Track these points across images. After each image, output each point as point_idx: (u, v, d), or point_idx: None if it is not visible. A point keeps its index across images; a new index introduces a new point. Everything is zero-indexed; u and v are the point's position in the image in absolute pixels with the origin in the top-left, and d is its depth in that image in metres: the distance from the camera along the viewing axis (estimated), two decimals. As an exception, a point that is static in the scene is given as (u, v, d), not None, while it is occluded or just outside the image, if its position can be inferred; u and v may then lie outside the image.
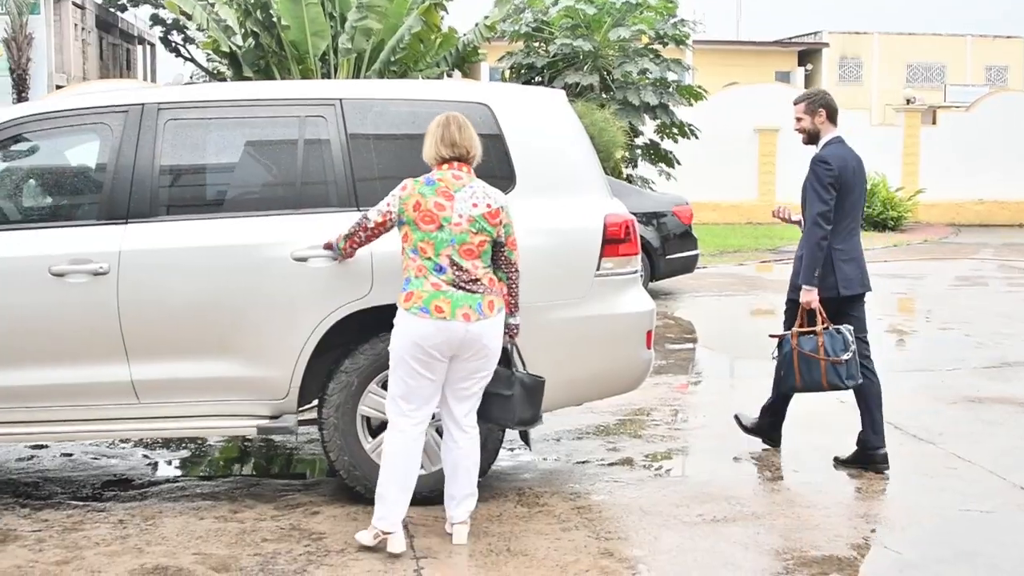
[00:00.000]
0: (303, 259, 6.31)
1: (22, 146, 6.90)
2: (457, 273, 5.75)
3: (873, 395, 7.45)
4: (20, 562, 5.75)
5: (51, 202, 7.26)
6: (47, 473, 7.44)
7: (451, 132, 5.87)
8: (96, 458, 7.80)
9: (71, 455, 7.85)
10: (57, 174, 7.08)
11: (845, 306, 7.47)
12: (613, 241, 6.58)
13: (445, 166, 5.86)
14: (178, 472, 7.70)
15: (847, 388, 7.36)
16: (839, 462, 7.51)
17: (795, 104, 7.83)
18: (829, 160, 7.38)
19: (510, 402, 6.05)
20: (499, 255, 5.92)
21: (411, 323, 5.72)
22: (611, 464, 7.54)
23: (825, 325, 7.29)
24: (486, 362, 5.89)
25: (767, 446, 7.87)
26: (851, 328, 7.31)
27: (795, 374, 7.35)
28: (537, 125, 6.77)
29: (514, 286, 5.98)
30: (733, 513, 6.51)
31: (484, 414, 6.05)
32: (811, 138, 7.66)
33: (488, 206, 5.81)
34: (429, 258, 5.74)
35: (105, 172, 6.51)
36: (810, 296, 7.31)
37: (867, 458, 7.41)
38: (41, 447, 7.98)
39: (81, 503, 6.73)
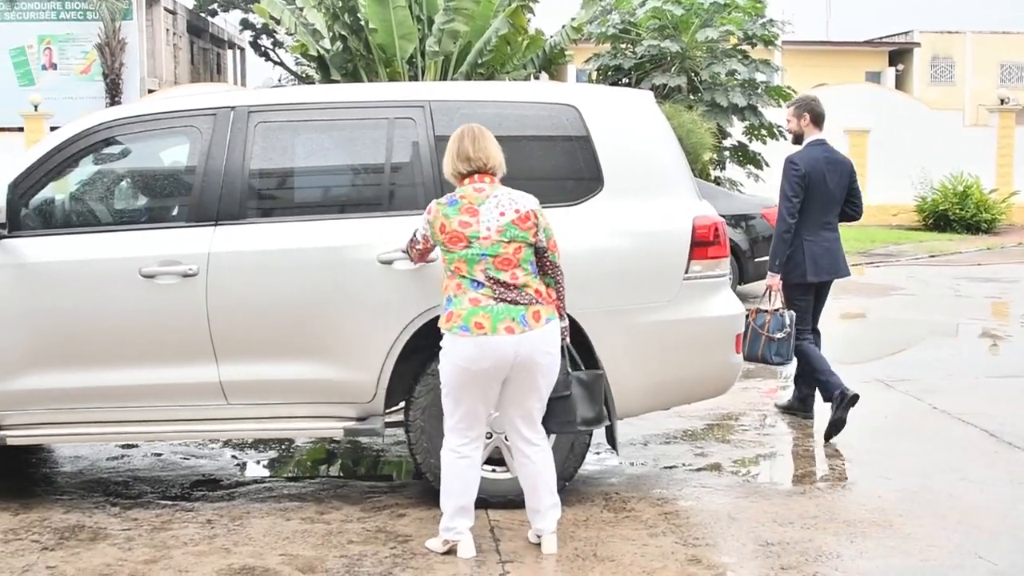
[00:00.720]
0: (389, 262, 6.31)
1: (113, 149, 6.99)
2: (496, 287, 5.63)
3: (813, 355, 8.53)
4: (110, 560, 5.82)
5: (141, 204, 7.35)
6: (137, 472, 7.52)
7: (465, 146, 5.76)
8: (185, 458, 7.87)
9: (160, 455, 7.93)
10: (147, 177, 7.17)
11: (822, 290, 8.79)
12: (702, 244, 6.51)
13: (466, 181, 5.76)
14: (265, 473, 7.75)
15: (774, 364, 8.31)
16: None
17: (787, 107, 9.01)
18: (797, 161, 8.43)
19: (570, 403, 5.92)
20: (543, 260, 5.79)
21: (455, 345, 5.61)
22: (699, 469, 7.46)
23: (776, 308, 8.25)
24: (543, 378, 5.74)
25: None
26: (792, 314, 8.28)
27: (745, 343, 7.94)
28: (625, 127, 6.72)
29: (561, 289, 5.84)
30: (824, 520, 6.39)
31: (545, 421, 5.90)
32: (797, 138, 8.83)
33: (516, 211, 5.67)
34: (464, 276, 5.65)
35: (194, 174, 6.57)
36: (772, 280, 8.48)
37: (842, 408, 8.13)
38: (131, 446, 8.08)
39: (170, 502, 6.80)
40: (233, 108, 6.62)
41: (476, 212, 5.66)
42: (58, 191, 6.93)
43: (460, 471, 5.78)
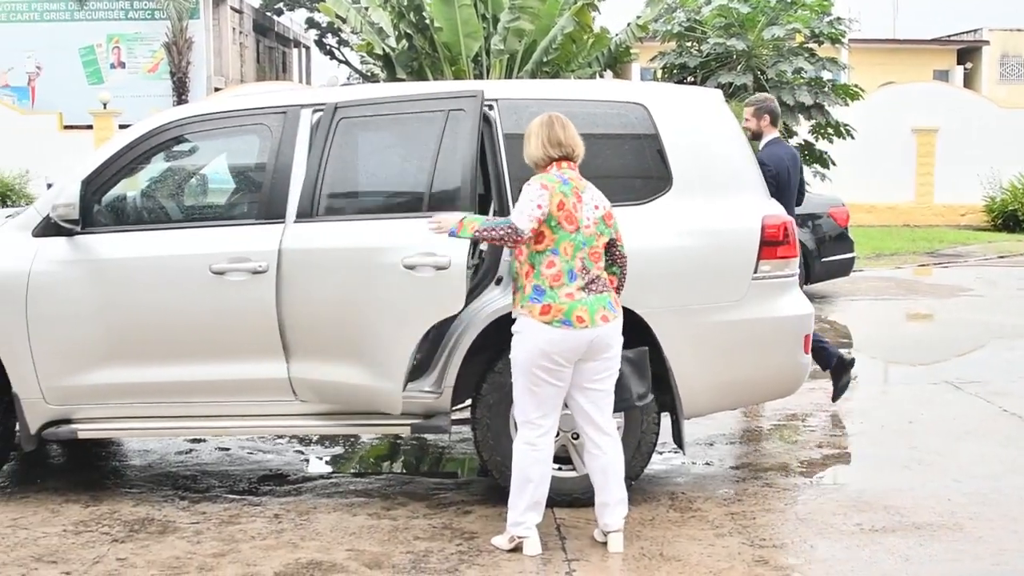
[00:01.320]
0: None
1: (184, 147, 7.05)
2: (585, 277, 5.71)
3: None
4: (179, 553, 5.88)
5: (211, 201, 7.42)
6: (205, 467, 7.59)
7: (556, 132, 5.81)
8: (252, 453, 7.93)
9: (228, 450, 8.00)
10: (217, 174, 7.21)
11: None
12: (771, 243, 6.46)
13: (553, 166, 5.81)
14: (332, 468, 7.78)
15: None
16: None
17: (745, 107, 9.21)
18: (767, 161, 8.36)
19: (621, 382, 5.98)
20: (614, 251, 5.90)
21: (550, 335, 5.64)
22: (765, 469, 7.41)
23: None
24: (613, 360, 5.85)
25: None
26: None
27: None
28: (694, 125, 6.69)
29: (624, 279, 5.98)
30: (893, 523, 6.33)
31: None
32: (755, 136, 8.97)
33: (606, 208, 5.83)
34: (567, 262, 5.67)
35: (264, 172, 6.61)
36: None
37: (846, 372, 8.88)
38: (198, 441, 8.16)
39: (237, 497, 6.85)
40: (301, 106, 6.66)
41: (581, 199, 5.75)
42: (129, 188, 7.00)
43: (534, 464, 5.81)
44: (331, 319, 6.28)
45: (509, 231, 5.59)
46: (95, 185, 6.56)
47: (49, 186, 6.76)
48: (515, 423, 6.37)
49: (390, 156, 6.67)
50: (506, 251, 6.20)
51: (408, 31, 23.06)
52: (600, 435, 5.88)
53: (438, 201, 6.27)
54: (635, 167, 6.55)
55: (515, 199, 6.34)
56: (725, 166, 6.65)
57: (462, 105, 6.06)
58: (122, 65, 48.85)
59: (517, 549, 5.86)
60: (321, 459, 7.97)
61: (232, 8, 53.71)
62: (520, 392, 5.81)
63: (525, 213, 5.61)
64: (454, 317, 6.36)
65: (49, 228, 6.53)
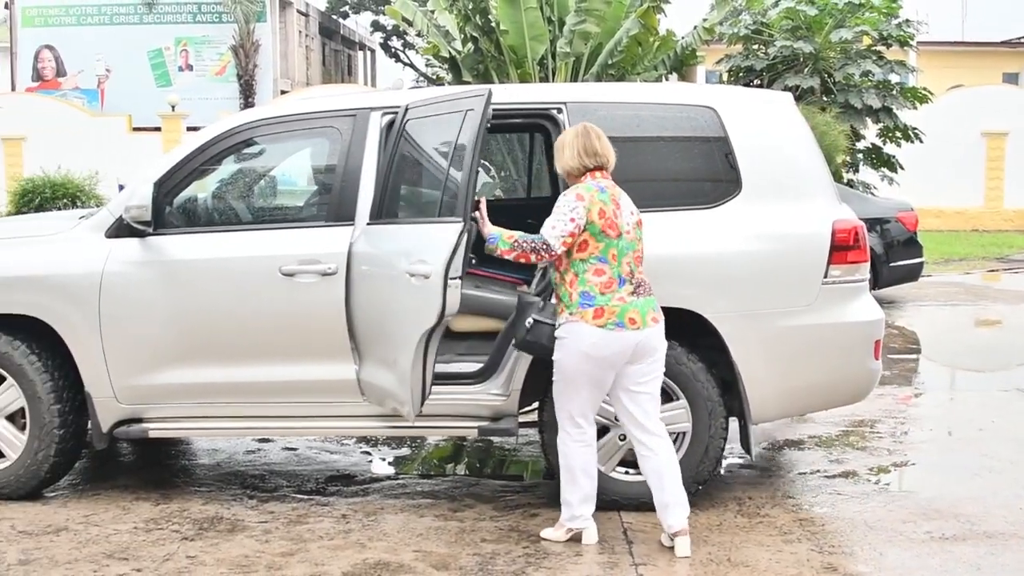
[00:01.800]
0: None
1: (254, 149, 7.10)
2: (633, 282, 5.78)
3: None
4: (247, 551, 5.92)
5: (281, 203, 7.47)
6: (273, 466, 7.65)
7: (592, 142, 5.87)
8: (319, 453, 7.99)
9: (295, 450, 8.06)
10: (287, 176, 7.26)
11: None
12: (842, 248, 6.41)
13: (588, 176, 5.85)
14: (399, 470, 7.81)
15: None
16: None
17: None
18: None
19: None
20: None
21: (604, 337, 5.70)
22: (834, 476, 7.35)
23: None
24: (659, 363, 5.91)
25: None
26: None
27: None
28: (764, 129, 6.64)
29: None
30: (963, 532, 6.26)
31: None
32: None
33: (638, 215, 5.92)
34: (614, 267, 5.73)
35: (334, 174, 6.64)
36: None
37: None
38: (266, 441, 8.22)
39: (305, 497, 6.90)
40: (370, 109, 6.69)
41: (619, 205, 5.79)
42: (200, 190, 7.07)
43: (584, 459, 5.90)
44: (378, 322, 6.30)
45: (542, 247, 5.69)
46: (167, 187, 6.63)
47: (121, 188, 6.84)
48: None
49: (427, 160, 6.61)
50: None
51: (474, 34, 23.11)
52: (649, 436, 5.89)
53: (445, 206, 6.09)
54: (704, 171, 6.52)
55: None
56: (795, 170, 6.61)
57: (472, 105, 5.99)
58: (190, 68, 49.33)
59: (574, 539, 5.93)
60: (388, 460, 8.00)
61: (298, 11, 54.11)
62: (567, 395, 5.87)
63: (557, 229, 5.70)
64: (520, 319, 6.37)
65: (122, 229, 6.61)
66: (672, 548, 5.88)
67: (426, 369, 5.89)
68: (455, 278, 5.65)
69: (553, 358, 5.87)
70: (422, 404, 6.00)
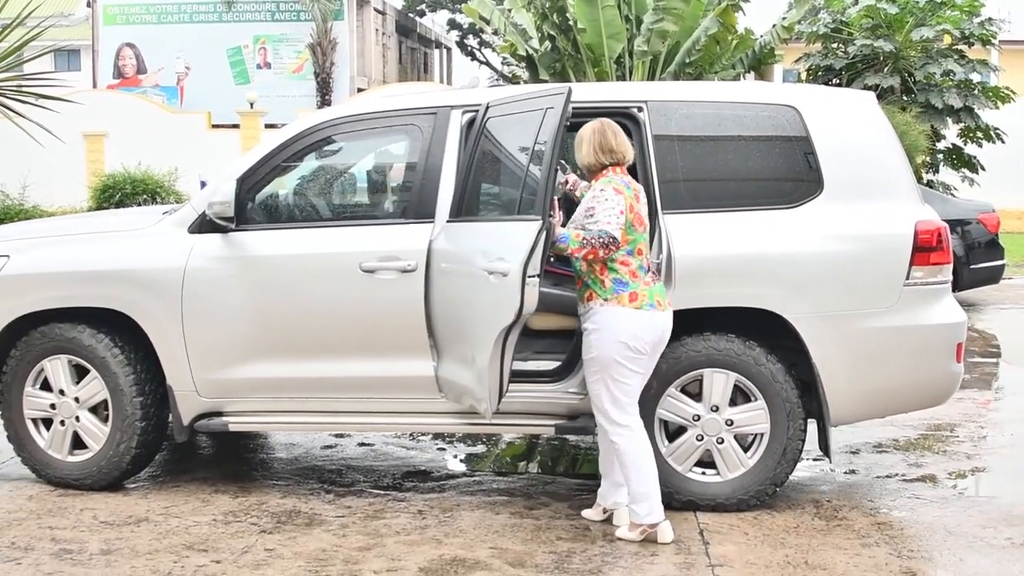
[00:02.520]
0: None
1: (335, 146, 7.15)
2: (649, 268, 5.98)
3: None
4: (325, 545, 5.97)
5: (362, 200, 7.51)
6: (350, 461, 7.70)
7: (608, 138, 5.98)
8: (395, 449, 8.03)
9: (372, 445, 8.11)
10: (368, 174, 7.30)
11: None
12: (924, 249, 6.33)
13: (609, 171, 5.96)
14: (474, 466, 7.83)
15: None
16: None
17: None
18: None
19: None
20: None
21: (642, 319, 5.88)
22: (912, 480, 7.28)
23: None
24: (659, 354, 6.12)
25: None
26: None
27: None
28: (846, 128, 6.58)
29: None
30: (1046, 538, 6.17)
31: None
32: None
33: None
34: (639, 258, 5.91)
35: (415, 172, 6.67)
36: None
37: None
38: (343, 436, 8.28)
39: (382, 492, 6.95)
40: (451, 107, 6.72)
41: (639, 200, 5.97)
42: (281, 187, 7.13)
43: (646, 450, 5.99)
44: (457, 319, 6.31)
45: (609, 240, 5.78)
46: (249, 183, 6.70)
47: (203, 184, 6.92)
48: (661, 425, 6.37)
49: (507, 158, 6.58)
50: (657, 245, 6.32)
51: (551, 32, 23.13)
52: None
53: (524, 204, 6.05)
54: (785, 170, 6.47)
55: (663, 200, 6.35)
56: (877, 170, 6.54)
57: (552, 103, 5.98)
58: (268, 66, 49.78)
59: (649, 540, 5.94)
60: (463, 457, 8.03)
61: (375, 9, 54.39)
62: (609, 387, 5.94)
63: (614, 221, 5.81)
64: None
65: (204, 225, 6.69)
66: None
67: (504, 367, 5.90)
68: (533, 276, 5.66)
69: (590, 353, 5.96)
70: (499, 401, 6.01)
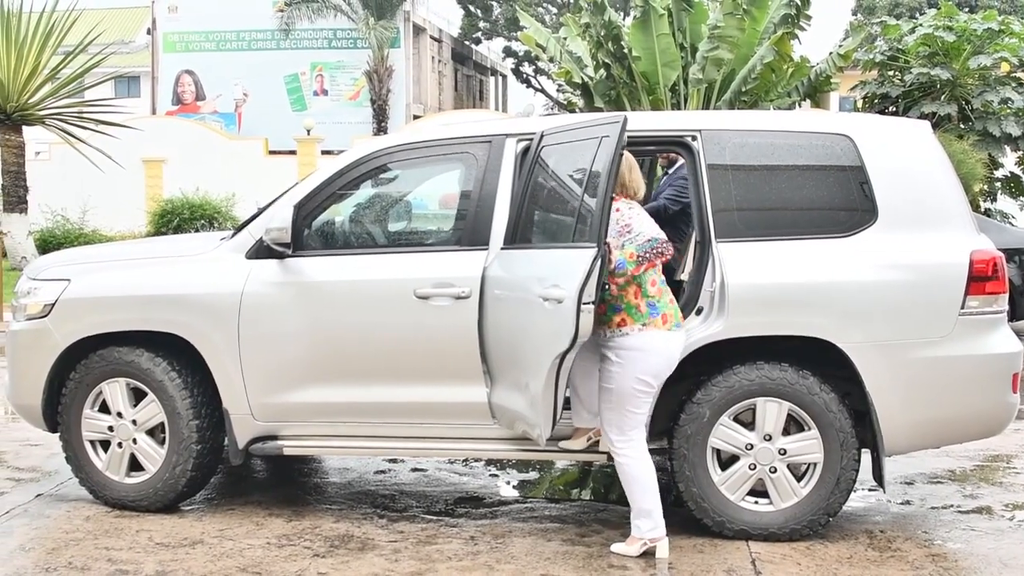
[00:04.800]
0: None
1: (391, 174, 7.21)
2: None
3: None
4: (377, 570, 6.00)
5: (416, 227, 7.57)
6: (403, 486, 7.73)
7: (622, 172, 6.09)
8: (448, 475, 8.05)
9: (425, 470, 8.14)
10: (423, 201, 7.34)
11: None
12: (980, 278, 6.30)
13: (618, 199, 6.08)
14: (526, 493, 7.84)
15: None
16: None
17: None
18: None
19: None
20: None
21: (676, 338, 6.11)
22: (967, 511, 7.21)
23: None
24: None
25: None
26: None
27: None
28: (901, 158, 6.56)
29: None
30: (1104, 572, 6.10)
31: None
32: (669, 163, 9.00)
33: None
34: (661, 277, 6.15)
35: (469, 199, 6.72)
36: None
37: None
38: (396, 461, 8.32)
39: (434, 517, 6.96)
40: (506, 136, 6.77)
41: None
42: (338, 214, 7.19)
43: (651, 468, 6.16)
44: (511, 345, 6.32)
45: (662, 245, 5.98)
46: (306, 210, 6.77)
47: (260, 210, 7.00)
48: (713, 453, 6.37)
49: (562, 185, 6.57)
50: (708, 276, 6.34)
51: (606, 60, 23.20)
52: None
53: (579, 231, 6.07)
54: (840, 199, 6.46)
55: (717, 229, 6.36)
56: (932, 199, 6.51)
57: (608, 132, 6.02)
58: (324, 92, 50.23)
59: (648, 554, 6.11)
60: (515, 483, 8.04)
61: (432, 37, 54.75)
62: (637, 408, 6.09)
63: (655, 229, 6.02)
64: None
65: (262, 251, 6.76)
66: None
67: (558, 393, 5.93)
68: (589, 303, 5.69)
69: (610, 383, 6.08)
70: (553, 428, 6.03)
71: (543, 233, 6.52)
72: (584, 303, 5.64)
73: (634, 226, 5.96)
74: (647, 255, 5.91)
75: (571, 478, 8.28)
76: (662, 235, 5.95)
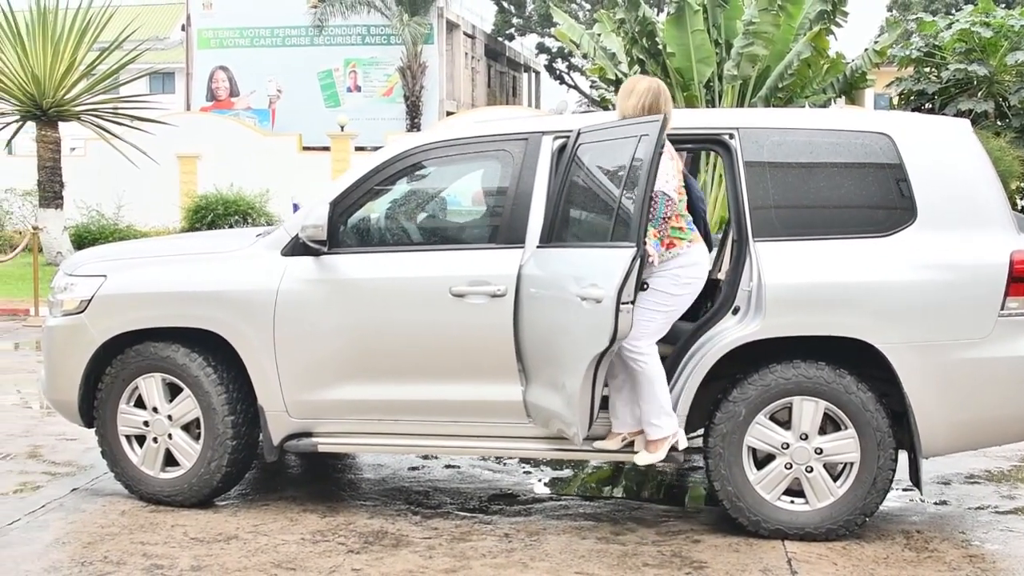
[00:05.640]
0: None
1: (427, 171, 7.20)
2: None
3: None
4: (411, 567, 5.99)
5: (452, 225, 7.56)
6: (436, 483, 7.73)
7: (659, 103, 6.44)
8: (481, 472, 8.05)
9: (459, 467, 8.14)
10: (459, 198, 7.33)
11: None
12: (1020, 279, 6.23)
13: None
14: (560, 490, 7.82)
15: None
16: None
17: None
18: None
19: None
20: None
21: (705, 258, 6.49)
22: (1006, 512, 7.15)
23: None
24: None
25: None
26: None
27: None
28: (941, 156, 6.50)
29: None
30: None
31: None
32: None
33: None
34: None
35: (505, 197, 6.71)
36: None
37: None
38: (429, 458, 8.32)
39: (468, 514, 6.96)
40: (544, 133, 6.74)
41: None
42: (373, 211, 7.20)
43: (663, 371, 6.34)
44: (547, 344, 6.31)
45: (662, 195, 6.21)
46: (342, 207, 6.77)
47: (295, 207, 7.01)
48: (749, 452, 6.34)
49: (600, 184, 6.54)
50: (748, 273, 6.37)
51: (641, 56, 23.17)
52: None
53: (617, 230, 6.09)
54: (878, 198, 6.41)
55: (754, 228, 6.33)
56: (972, 198, 6.45)
57: (647, 131, 6.00)
58: (358, 89, 50.30)
59: (672, 449, 6.32)
60: (549, 481, 8.03)
61: (465, 34, 54.77)
62: (660, 319, 6.33)
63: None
64: (688, 345, 6.38)
65: (297, 248, 6.77)
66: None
67: (595, 393, 5.91)
68: (627, 303, 5.67)
69: (669, 289, 6.32)
70: (589, 428, 6.01)
71: (580, 232, 6.50)
72: (623, 303, 5.64)
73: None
74: (664, 217, 6.17)
75: (605, 476, 8.26)
76: (659, 189, 6.13)
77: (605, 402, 6.31)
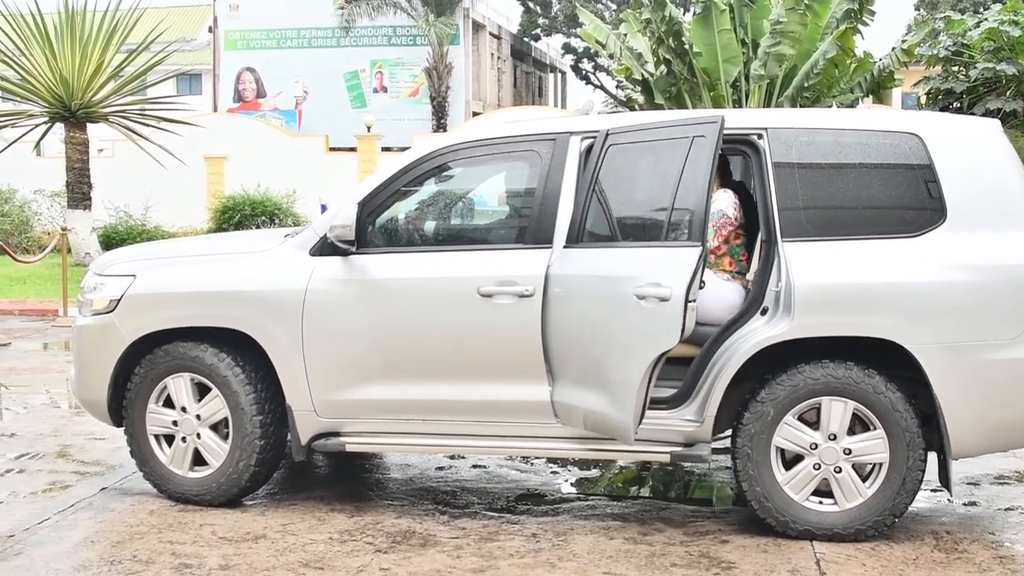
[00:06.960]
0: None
1: (455, 172, 7.21)
2: None
3: None
4: (439, 566, 6.00)
5: (480, 225, 7.56)
6: (464, 483, 7.74)
7: None
8: (508, 471, 8.05)
9: (486, 467, 8.14)
10: (486, 199, 7.34)
11: None
12: None
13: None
14: (588, 491, 7.81)
15: None
16: None
17: None
18: None
19: None
20: None
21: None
22: (1036, 514, 7.13)
23: None
24: None
25: None
26: None
27: None
28: (971, 157, 6.46)
29: None
30: None
31: None
32: None
33: None
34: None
35: (533, 198, 6.71)
36: None
37: None
38: (456, 458, 8.33)
39: (496, 514, 6.96)
40: (572, 133, 6.74)
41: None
42: (401, 211, 7.21)
43: None
44: (583, 345, 6.30)
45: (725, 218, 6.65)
46: (370, 207, 6.78)
47: (323, 207, 7.03)
48: (777, 453, 6.33)
49: (659, 185, 6.56)
50: (774, 276, 6.35)
51: (667, 56, 23.12)
52: None
53: (673, 229, 6.13)
54: (908, 199, 6.38)
55: (783, 228, 6.31)
56: (1003, 199, 6.41)
57: (703, 132, 6.01)
58: (384, 89, 50.39)
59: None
60: (577, 481, 8.02)
61: (491, 34, 54.80)
62: None
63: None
64: (716, 345, 6.36)
65: (326, 248, 6.79)
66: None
67: (648, 392, 5.93)
68: (693, 300, 5.75)
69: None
70: (638, 427, 6.02)
71: (625, 232, 6.48)
72: (690, 300, 5.71)
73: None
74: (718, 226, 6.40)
75: (632, 476, 8.25)
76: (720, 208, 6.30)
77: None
